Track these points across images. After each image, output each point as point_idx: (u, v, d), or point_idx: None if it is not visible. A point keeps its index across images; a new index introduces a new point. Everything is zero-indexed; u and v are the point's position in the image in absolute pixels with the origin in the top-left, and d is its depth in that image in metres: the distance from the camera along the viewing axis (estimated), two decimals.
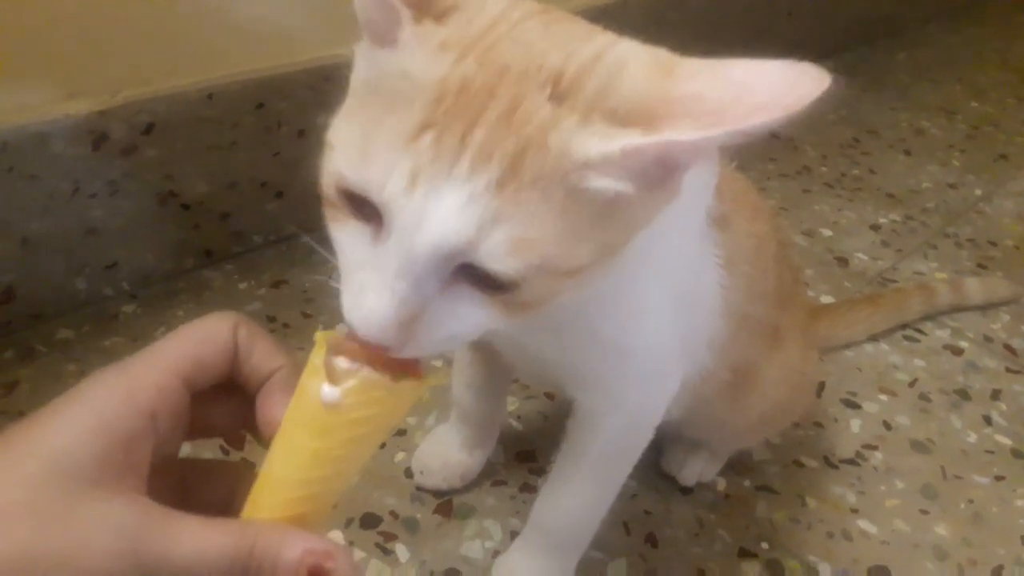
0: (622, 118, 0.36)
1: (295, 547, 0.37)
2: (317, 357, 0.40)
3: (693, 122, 0.35)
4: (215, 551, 0.36)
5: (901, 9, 2.09)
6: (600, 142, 0.36)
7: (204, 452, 0.77)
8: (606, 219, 0.38)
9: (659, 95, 0.36)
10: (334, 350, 0.40)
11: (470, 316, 0.40)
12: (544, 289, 0.39)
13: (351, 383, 0.39)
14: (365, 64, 0.40)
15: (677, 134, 0.35)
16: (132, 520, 0.34)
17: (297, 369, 0.42)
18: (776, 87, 0.35)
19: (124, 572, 0.34)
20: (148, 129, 0.90)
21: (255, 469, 0.41)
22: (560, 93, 0.37)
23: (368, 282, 0.38)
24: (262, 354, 0.42)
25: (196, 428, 0.42)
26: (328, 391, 0.39)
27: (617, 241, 0.41)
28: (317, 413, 0.39)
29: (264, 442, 0.42)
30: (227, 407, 0.43)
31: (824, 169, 1.46)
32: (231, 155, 0.98)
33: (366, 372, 0.39)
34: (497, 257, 0.36)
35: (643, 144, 0.35)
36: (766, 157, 1.46)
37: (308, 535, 0.38)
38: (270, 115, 0.98)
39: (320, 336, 0.41)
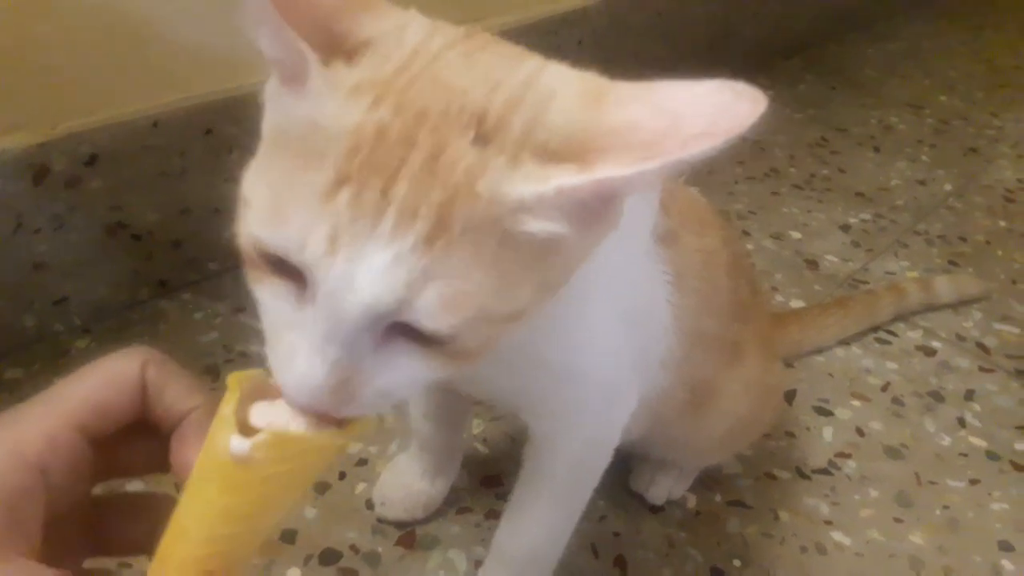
0: (554, 152, 0.34)
1: None
2: (227, 405, 0.37)
3: (628, 154, 0.33)
4: None
5: (868, 3, 2.09)
6: (533, 184, 0.34)
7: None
8: (543, 260, 0.36)
9: (591, 126, 0.34)
10: (249, 396, 0.38)
11: (408, 371, 0.38)
12: (483, 337, 0.37)
13: (262, 437, 0.36)
14: (274, 107, 0.38)
15: (613, 170, 0.33)
16: None
17: (214, 411, 0.38)
18: (712, 112, 0.33)
19: None
20: (91, 160, 0.87)
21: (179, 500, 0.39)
22: (485, 134, 0.34)
23: (296, 345, 0.36)
24: (175, 393, 0.39)
25: (109, 470, 0.40)
26: (237, 444, 0.35)
27: (557, 279, 0.39)
28: (226, 467, 0.36)
29: (182, 485, 0.39)
30: (142, 448, 0.41)
31: (793, 170, 1.45)
32: (181, 182, 0.96)
33: (279, 425, 0.37)
34: (431, 315, 0.34)
35: (578, 183, 0.33)
36: (734, 160, 1.45)
37: None
38: (220, 140, 0.96)
39: (232, 379, 0.38)
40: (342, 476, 0.81)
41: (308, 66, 0.34)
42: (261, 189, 0.36)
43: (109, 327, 0.96)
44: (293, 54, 0.34)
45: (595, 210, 0.36)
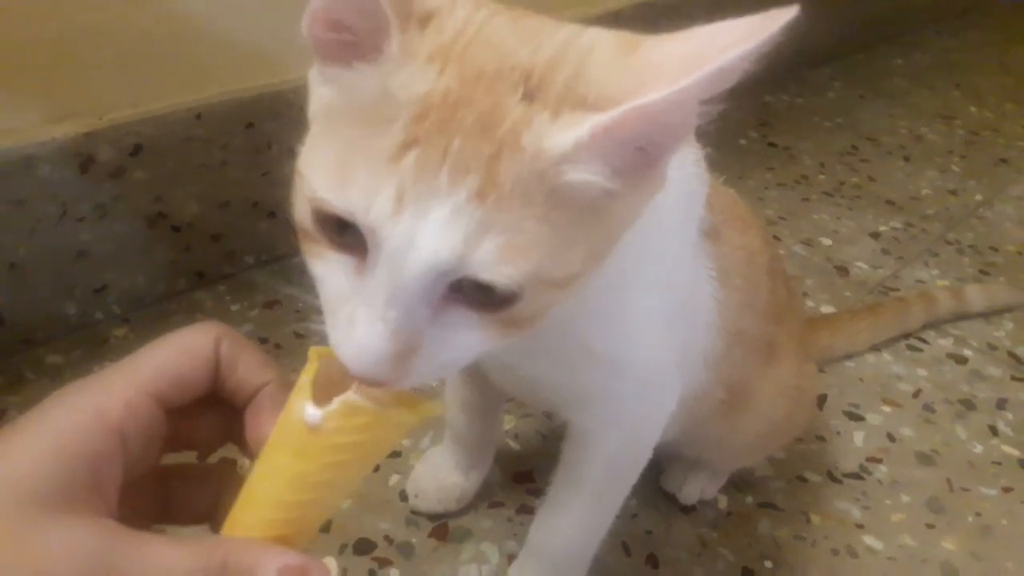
0: (593, 104, 0.35)
1: (270, 564, 0.36)
2: (307, 374, 0.39)
3: (662, 83, 0.33)
4: (184, 571, 0.34)
5: (898, 14, 2.08)
6: (570, 132, 0.35)
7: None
8: (591, 219, 0.37)
9: (627, 73, 0.35)
10: (326, 368, 0.39)
11: (465, 340, 0.39)
12: (539, 301, 0.38)
13: (333, 406, 0.37)
14: (327, 88, 0.39)
15: (642, 99, 0.33)
16: (94, 545, 0.33)
17: (287, 385, 0.40)
18: (744, 26, 0.33)
19: None
20: (136, 151, 0.89)
21: (242, 473, 0.40)
22: (531, 90, 0.36)
23: (356, 315, 0.37)
24: (248, 368, 0.40)
25: (179, 442, 0.41)
26: (311, 412, 0.37)
27: (606, 244, 0.40)
28: (299, 434, 0.37)
29: (253, 458, 0.40)
30: (212, 421, 0.42)
31: (823, 177, 1.45)
32: (221, 175, 0.97)
33: (351, 396, 0.38)
34: (489, 267, 0.35)
35: (610, 120, 0.34)
36: (764, 166, 1.45)
37: (283, 550, 0.37)
38: (260, 135, 0.97)
39: (313, 352, 0.39)
40: (376, 468, 0.82)
41: (389, 33, 0.35)
42: (322, 159, 0.37)
43: (147, 317, 0.97)
44: (376, 20, 0.35)
45: (638, 166, 0.36)
